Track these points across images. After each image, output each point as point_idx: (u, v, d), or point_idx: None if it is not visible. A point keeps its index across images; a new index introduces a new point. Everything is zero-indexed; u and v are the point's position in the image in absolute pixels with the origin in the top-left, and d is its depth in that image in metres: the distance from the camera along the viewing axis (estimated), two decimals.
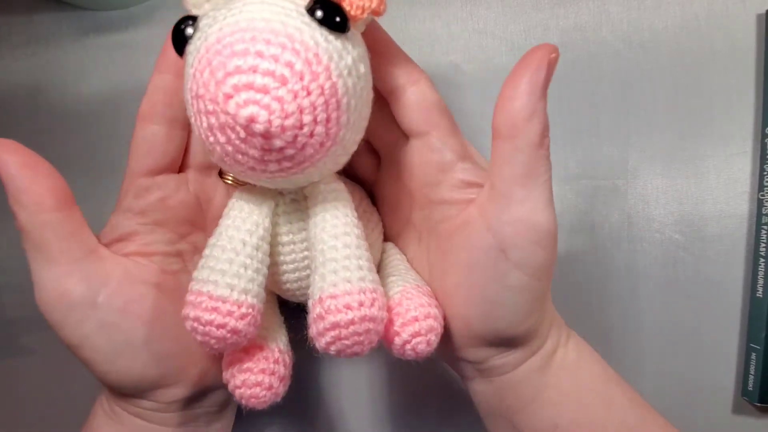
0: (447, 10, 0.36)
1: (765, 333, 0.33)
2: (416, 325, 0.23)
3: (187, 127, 0.25)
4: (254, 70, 0.17)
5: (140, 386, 0.25)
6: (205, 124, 0.19)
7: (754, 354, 0.33)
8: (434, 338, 0.23)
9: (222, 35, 0.18)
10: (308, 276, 0.24)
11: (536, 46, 0.22)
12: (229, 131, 0.18)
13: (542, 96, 0.21)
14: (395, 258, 0.27)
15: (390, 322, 0.23)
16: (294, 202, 0.24)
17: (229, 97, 0.17)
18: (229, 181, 0.27)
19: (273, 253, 0.24)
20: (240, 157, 0.19)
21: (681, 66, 0.35)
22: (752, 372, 0.33)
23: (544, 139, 0.22)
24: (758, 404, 0.33)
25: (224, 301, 0.21)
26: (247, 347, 0.24)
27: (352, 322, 0.21)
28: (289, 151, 0.19)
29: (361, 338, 0.21)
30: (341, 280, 0.21)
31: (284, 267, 0.25)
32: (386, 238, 0.29)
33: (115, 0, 0.36)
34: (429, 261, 0.26)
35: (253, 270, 0.22)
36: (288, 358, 0.25)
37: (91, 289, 0.23)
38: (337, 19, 0.19)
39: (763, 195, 0.33)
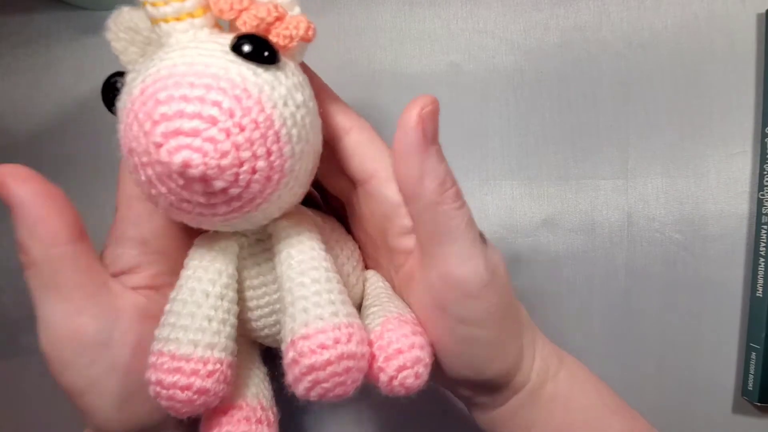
0: (447, 10, 0.36)
1: (765, 333, 0.33)
2: (400, 358, 0.21)
3: None
4: (180, 114, 0.17)
5: None
6: (143, 177, 0.18)
7: (754, 354, 0.33)
8: (422, 370, 0.21)
9: (145, 86, 0.18)
10: None
11: (411, 102, 0.21)
12: (167, 180, 0.17)
13: (426, 153, 0.21)
14: (377, 286, 0.26)
15: (373, 357, 0.21)
16: (259, 242, 0.23)
17: (159, 146, 0.17)
18: None
19: (245, 298, 0.23)
20: (185, 205, 0.18)
21: (681, 66, 0.35)
22: (752, 372, 0.33)
23: (443, 195, 0.21)
24: (758, 404, 0.33)
25: (188, 360, 0.20)
26: (225, 408, 0.22)
27: (329, 363, 0.19)
28: (234, 191, 0.18)
29: (342, 378, 0.19)
30: (313, 318, 0.20)
31: (259, 311, 0.23)
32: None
33: (116, 0, 0.36)
34: None
35: (219, 321, 0.21)
36: (272, 415, 0.23)
37: (105, 326, 0.21)
38: (265, 53, 0.18)
39: (763, 195, 0.33)
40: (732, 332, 0.34)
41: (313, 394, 0.20)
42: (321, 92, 0.23)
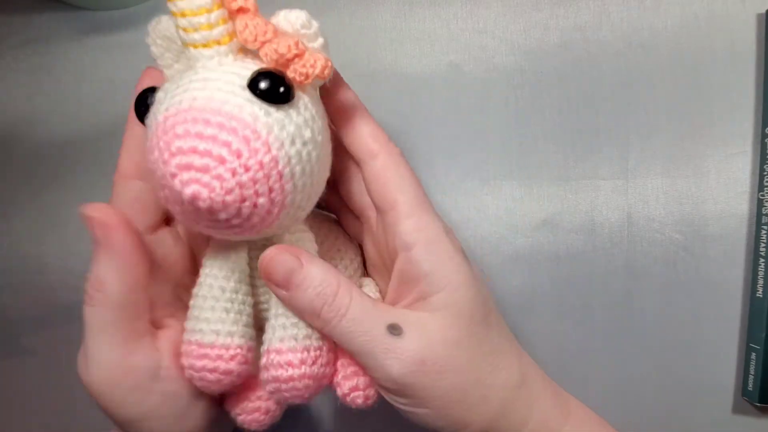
0: (447, 9, 0.36)
1: (765, 333, 0.33)
2: (355, 380, 0.24)
3: None
4: (194, 150, 0.19)
5: None
6: (162, 195, 0.20)
7: (754, 354, 0.33)
8: (372, 393, 0.24)
9: (167, 115, 0.19)
10: None
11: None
12: (179, 205, 0.20)
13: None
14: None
15: (336, 371, 0.25)
16: (264, 247, 0.24)
17: (174, 176, 0.19)
18: None
19: (257, 294, 0.26)
20: (195, 224, 0.21)
21: (681, 66, 0.34)
22: (752, 372, 0.33)
23: (322, 311, 0.22)
24: (758, 404, 0.33)
25: (212, 347, 0.23)
26: (248, 384, 0.26)
27: (291, 379, 0.23)
28: (236, 221, 0.20)
29: (300, 392, 0.23)
30: (288, 336, 0.23)
31: (262, 306, 0.26)
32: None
33: (115, 0, 0.36)
34: None
35: (236, 312, 0.24)
36: None
37: (154, 363, 0.24)
38: (280, 90, 0.20)
39: (763, 195, 0.33)
40: (732, 332, 0.34)
41: (274, 397, 0.24)
42: (351, 111, 0.23)
